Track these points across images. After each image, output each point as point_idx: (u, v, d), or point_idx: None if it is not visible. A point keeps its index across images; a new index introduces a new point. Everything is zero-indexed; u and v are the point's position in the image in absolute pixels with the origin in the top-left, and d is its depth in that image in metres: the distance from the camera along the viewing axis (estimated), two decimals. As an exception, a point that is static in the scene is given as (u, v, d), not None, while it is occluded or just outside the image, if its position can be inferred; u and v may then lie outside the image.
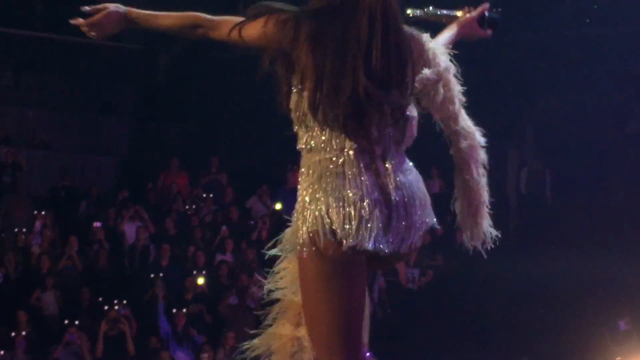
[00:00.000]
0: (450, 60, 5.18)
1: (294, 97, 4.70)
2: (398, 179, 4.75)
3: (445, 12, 5.35)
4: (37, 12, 26.36)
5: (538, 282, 18.25)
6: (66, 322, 17.78)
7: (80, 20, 4.83)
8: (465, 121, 5.31)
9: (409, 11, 5.07)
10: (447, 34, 5.28)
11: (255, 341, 5.20)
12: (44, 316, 18.34)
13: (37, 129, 24.09)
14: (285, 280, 5.13)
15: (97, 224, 20.50)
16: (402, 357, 17.93)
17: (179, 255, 19.95)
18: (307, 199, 4.65)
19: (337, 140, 4.64)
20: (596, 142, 21.62)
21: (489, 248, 5.59)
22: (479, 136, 5.40)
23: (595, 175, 21.36)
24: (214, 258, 20.02)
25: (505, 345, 17.57)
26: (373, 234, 4.59)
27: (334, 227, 4.56)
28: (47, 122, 24.44)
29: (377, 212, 4.61)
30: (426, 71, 5.00)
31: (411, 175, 4.86)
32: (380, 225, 4.63)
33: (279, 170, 21.55)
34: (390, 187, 4.70)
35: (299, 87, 4.66)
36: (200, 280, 19.22)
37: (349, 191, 4.58)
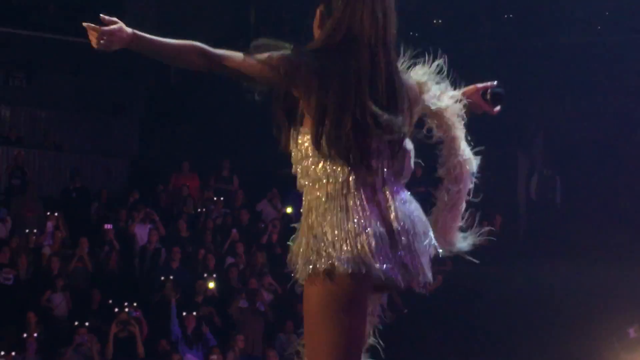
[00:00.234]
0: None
1: (294, 137, 4.79)
2: (399, 209, 4.75)
3: None
4: (49, 13, 26.40)
5: (547, 288, 18.26)
6: (76, 323, 17.82)
7: (97, 27, 4.82)
8: (466, 147, 5.33)
9: None
10: (451, 94, 5.29)
11: None
12: (54, 317, 18.34)
13: (49, 130, 24.10)
14: None
15: (108, 226, 20.49)
16: (413, 357, 18.00)
17: (189, 257, 19.97)
18: (313, 233, 4.69)
19: (339, 174, 4.69)
20: (606, 148, 21.64)
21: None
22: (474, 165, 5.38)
23: (605, 181, 21.37)
24: (225, 261, 20.05)
25: (514, 351, 17.59)
26: (377, 263, 4.61)
27: (339, 261, 4.59)
28: (59, 123, 24.48)
29: (380, 242, 4.64)
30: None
31: (411, 205, 4.85)
32: (384, 254, 4.64)
33: (289, 173, 21.57)
34: (392, 217, 4.72)
35: (300, 126, 4.75)
36: (211, 285, 19.26)
37: (352, 223, 4.62)
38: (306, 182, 4.79)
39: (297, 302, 18.56)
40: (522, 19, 25.10)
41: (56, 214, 20.55)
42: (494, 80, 5.51)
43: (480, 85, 5.34)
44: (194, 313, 18.25)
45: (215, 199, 21.90)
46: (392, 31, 4.78)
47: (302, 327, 4.89)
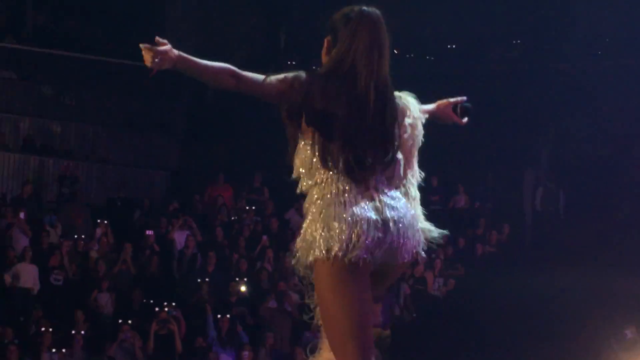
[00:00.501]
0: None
1: (303, 149, 5.01)
2: (389, 203, 4.97)
3: None
4: (97, 38, 26.47)
5: (551, 293, 18.20)
6: (120, 321, 17.88)
7: (152, 47, 4.82)
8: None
9: None
10: (427, 106, 5.39)
11: None
12: (100, 316, 18.37)
13: (96, 145, 24.17)
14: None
15: (149, 232, 20.53)
16: (426, 356, 17.96)
17: (223, 261, 19.97)
18: (317, 223, 4.91)
19: (340, 178, 4.93)
20: (605, 165, 21.61)
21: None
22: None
23: (606, 195, 21.32)
24: (256, 265, 20.06)
25: (519, 350, 17.52)
26: (370, 247, 4.87)
27: (340, 246, 4.83)
28: (105, 139, 24.53)
29: (372, 229, 4.88)
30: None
31: (401, 202, 5.06)
32: (376, 239, 4.88)
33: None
34: (384, 210, 4.94)
35: (309, 141, 4.97)
36: (243, 287, 19.28)
37: (349, 217, 4.87)
38: (310, 183, 5.02)
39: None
40: (529, 45, 25.08)
41: (105, 221, 20.59)
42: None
43: (452, 100, 5.47)
44: (228, 315, 18.25)
45: (247, 208, 21.91)
46: (386, 66, 4.99)
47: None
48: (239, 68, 4.89)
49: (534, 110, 22.66)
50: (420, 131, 5.24)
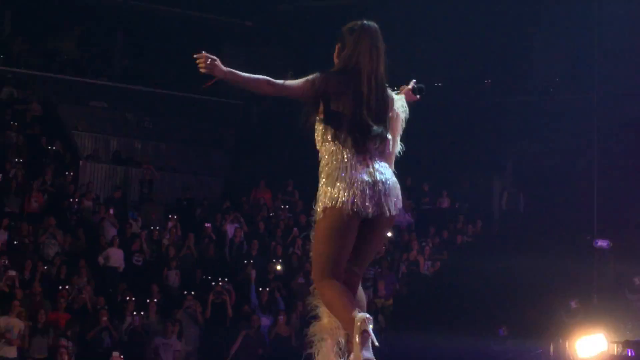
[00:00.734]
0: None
1: (318, 126, 5.14)
2: (379, 170, 5.08)
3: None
4: (168, 75, 26.56)
5: (514, 273, 18.14)
6: (185, 292, 17.94)
7: (204, 54, 5.12)
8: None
9: None
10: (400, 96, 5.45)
11: (312, 328, 5.37)
12: (169, 288, 18.43)
13: (167, 158, 24.23)
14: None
15: (207, 225, 20.56)
16: (419, 320, 17.93)
17: (264, 248, 20.02)
18: (327, 183, 5.06)
19: (345, 150, 5.05)
20: (556, 175, 21.56)
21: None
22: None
23: (555, 198, 21.27)
24: (288, 250, 20.09)
25: (491, 318, 17.48)
26: (364, 203, 5.00)
27: (341, 199, 4.99)
28: (175, 153, 24.58)
29: (366, 189, 5.01)
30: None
31: (388, 172, 5.14)
32: (369, 198, 5.01)
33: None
34: (375, 174, 5.05)
35: (323, 119, 5.10)
36: (278, 267, 19.32)
37: (349, 177, 5.01)
38: (324, 153, 5.13)
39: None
40: (497, 82, 25.01)
41: (174, 216, 20.67)
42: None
43: (409, 86, 5.53)
44: (267, 288, 18.28)
45: (282, 207, 21.93)
46: (382, 64, 5.12)
47: None
48: None
49: (501, 133, 22.66)
50: (402, 118, 5.32)
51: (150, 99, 25.68)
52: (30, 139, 22.01)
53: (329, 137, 5.08)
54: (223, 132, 25.99)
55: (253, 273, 18.61)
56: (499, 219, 22.95)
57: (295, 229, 20.64)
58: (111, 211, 20.02)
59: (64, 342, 15.33)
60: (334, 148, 5.07)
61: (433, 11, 23.59)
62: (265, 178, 22.76)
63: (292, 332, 17.16)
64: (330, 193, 5.02)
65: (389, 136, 5.15)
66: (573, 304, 17.04)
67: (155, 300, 17.41)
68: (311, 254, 5.19)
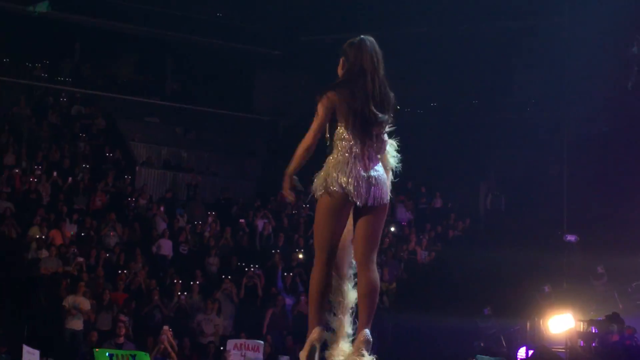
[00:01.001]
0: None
1: (337, 129, 5.00)
2: (374, 168, 5.00)
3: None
4: (209, 95, 26.62)
5: (497, 262, 18.05)
6: (223, 276, 17.92)
7: (290, 195, 5.11)
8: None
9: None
10: None
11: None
12: (210, 273, 18.40)
13: (209, 164, 24.25)
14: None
15: (242, 220, 20.58)
16: (417, 301, 17.88)
17: (289, 239, 19.99)
18: (328, 173, 4.96)
19: (348, 147, 4.96)
20: (532, 179, 21.52)
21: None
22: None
23: (532, 199, 21.20)
24: (308, 241, 20.07)
25: (477, 299, 17.41)
26: (359, 192, 4.91)
27: (342, 186, 4.90)
28: (215, 161, 24.58)
29: (362, 181, 4.93)
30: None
31: (381, 169, 5.05)
32: (363, 188, 4.93)
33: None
34: (370, 170, 4.97)
35: (340, 123, 4.98)
36: (300, 256, 19.28)
37: (348, 170, 4.92)
38: (334, 149, 5.01)
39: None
40: (483, 101, 24.95)
41: (214, 213, 20.67)
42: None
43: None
44: (291, 273, 18.24)
45: (304, 206, 21.88)
46: (382, 67, 5.01)
47: None
48: None
49: (486, 144, 22.58)
50: (392, 166, 5.26)
51: (195, 116, 25.71)
52: (95, 148, 22.07)
53: (339, 138, 4.98)
54: (255, 143, 26.00)
55: (279, 261, 18.58)
56: (484, 217, 22.85)
57: (314, 224, 20.57)
58: (162, 208, 20.04)
59: (122, 317, 15.34)
60: (344, 144, 4.96)
61: (431, 44, 23.61)
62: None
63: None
64: (331, 181, 4.94)
65: (386, 138, 5.11)
66: (546, 288, 16.96)
67: (198, 282, 17.39)
68: (313, 231, 5.19)
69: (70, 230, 17.87)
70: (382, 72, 5.00)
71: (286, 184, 5.05)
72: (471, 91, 24.91)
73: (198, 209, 21.17)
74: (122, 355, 12.95)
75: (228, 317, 17.08)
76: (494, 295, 17.29)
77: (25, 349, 12.45)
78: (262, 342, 14.12)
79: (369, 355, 4.90)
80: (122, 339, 14.78)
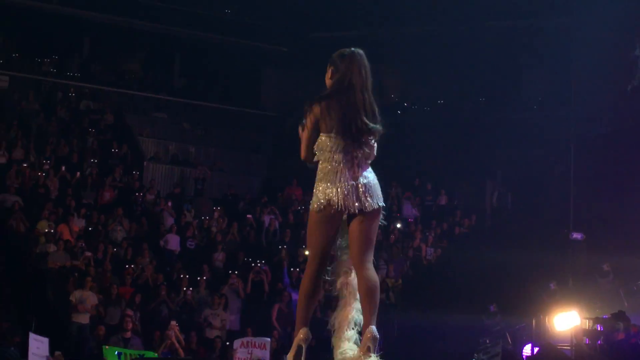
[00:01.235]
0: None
1: (321, 140, 5.03)
2: (364, 175, 5.02)
3: None
4: (216, 92, 26.63)
5: (503, 259, 18.02)
6: (230, 271, 17.92)
7: None
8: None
9: None
10: None
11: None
12: (216, 268, 18.39)
13: (216, 160, 24.23)
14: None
15: (249, 216, 20.57)
16: (422, 297, 17.87)
17: (295, 235, 19.98)
18: (318, 183, 5.02)
19: (336, 157, 4.99)
20: (539, 178, 21.49)
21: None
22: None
23: (538, 196, 21.18)
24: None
25: (483, 296, 17.38)
26: (347, 202, 4.95)
27: (331, 198, 4.95)
28: (222, 156, 24.54)
29: (352, 191, 4.96)
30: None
31: (371, 175, 5.06)
32: (353, 198, 4.96)
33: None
34: (359, 178, 5.00)
35: (324, 133, 5.02)
36: (307, 252, 19.20)
37: (337, 181, 4.96)
38: (320, 159, 5.04)
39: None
40: (490, 101, 24.96)
41: (222, 208, 20.67)
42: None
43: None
44: (297, 269, 18.24)
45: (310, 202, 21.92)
46: (369, 80, 5.03)
47: None
48: None
49: (493, 142, 22.55)
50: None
51: (202, 111, 25.73)
52: (103, 143, 22.10)
53: (324, 149, 5.02)
54: (262, 139, 25.99)
55: (286, 256, 18.57)
56: (491, 214, 22.84)
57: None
58: (169, 203, 20.05)
59: (129, 311, 15.35)
60: (328, 156, 5.01)
61: (438, 42, 23.60)
62: (296, 178, 22.71)
63: (318, 306, 17.10)
64: (320, 191, 4.99)
65: (375, 144, 5.12)
66: (552, 286, 16.93)
67: (205, 277, 17.40)
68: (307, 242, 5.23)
69: (78, 224, 17.88)
70: (369, 84, 5.05)
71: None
72: (478, 89, 24.91)
73: (205, 205, 21.16)
74: (131, 355, 12.97)
75: (235, 312, 17.07)
76: (500, 292, 17.26)
77: (32, 336, 12.45)
78: (268, 339, 14.09)
79: (375, 352, 4.92)
80: (129, 334, 14.79)
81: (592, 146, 20.24)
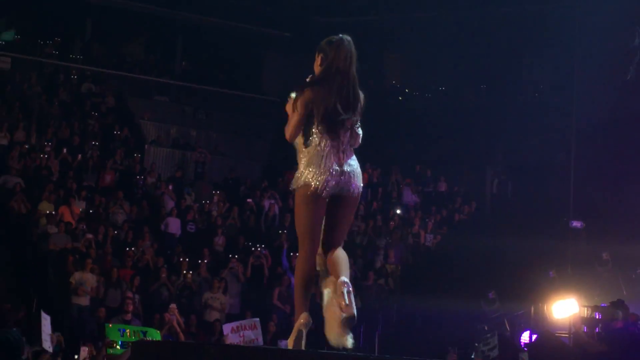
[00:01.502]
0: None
1: (307, 125, 5.16)
2: (348, 161, 5.15)
3: None
4: (216, 75, 26.54)
5: (503, 246, 18.03)
6: (230, 255, 17.94)
7: None
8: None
9: None
10: None
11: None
12: (217, 252, 18.41)
13: (217, 144, 24.19)
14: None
15: (249, 200, 20.56)
16: (422, 282, 17.88)
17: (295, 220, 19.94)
18: (304, 167, 5.13)
19: (322, 142, 5.10)
20: (539, 165, 21.44)
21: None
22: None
23: (538, 184, 21.15)
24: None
25: (482, 283, 17.40)
26: (332, 185, 5.07)
27: (315, 181, 5.07)
28: (223, 140, 24.51)
29: (336, 175, 5.08)
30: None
31: (354, 162, 5.18)
32: (335, 182, 5.08)
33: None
34: (344, 164, 5.12)
35: (315, 119, 5.12)
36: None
37: (322, 165, 5.08)
38: (305, 144, 5.18)
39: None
40: (491, 87, 24.92)
41: (222, 192, 20.65)
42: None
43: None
44: (297, 254, 18.18)
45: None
46: (354, 67, 5.11)
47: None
48: None
49: (493, 129, 22.52)
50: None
51: (204, 95, 25.65)
52: (104, 126, 22.07)
53: (313, 131, 5.12)
54: (263, 124, 25.87)
55: (285, 241, 18.57)
56: (490, 201, 22.82)
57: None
58: (170, 187, 20.04)
59: (129, 294, 15.38)
60: (315, 140, 5.11)
61: (440, 28, 23.51)
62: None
63: (317, 291, 17.09)
64: (306, 175, 5.09)
65: (359, 131, 5.21)
66: (551, 274, 16.94)
67: (205, 261, 17.41)
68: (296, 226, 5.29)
69: (79, 206, 17.89)
70: (354, 70, 5.12)
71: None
72: (480, 76, 24.84)
73: (206, 188, 21.15)
74: (134, 332, 12.98)
75: (234, 296, 17.09)
76: (499, 280, 17.28)
77: (42, 315, 12.62)
78: (257, 319, 14.05)
79: (350, 294, 5.11)
80: (129, 316, 14.82)
81: (592, 134, 20.19)
